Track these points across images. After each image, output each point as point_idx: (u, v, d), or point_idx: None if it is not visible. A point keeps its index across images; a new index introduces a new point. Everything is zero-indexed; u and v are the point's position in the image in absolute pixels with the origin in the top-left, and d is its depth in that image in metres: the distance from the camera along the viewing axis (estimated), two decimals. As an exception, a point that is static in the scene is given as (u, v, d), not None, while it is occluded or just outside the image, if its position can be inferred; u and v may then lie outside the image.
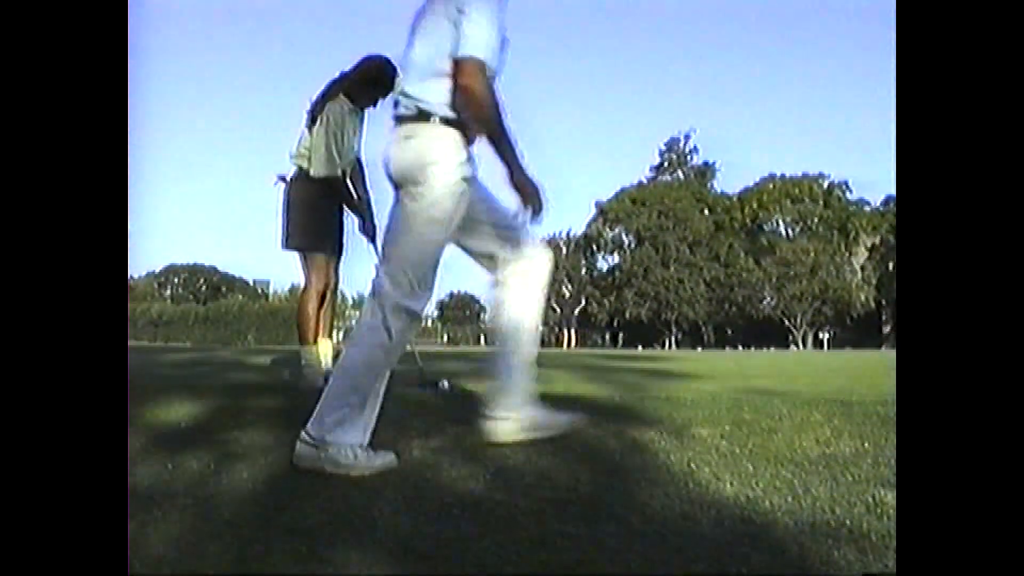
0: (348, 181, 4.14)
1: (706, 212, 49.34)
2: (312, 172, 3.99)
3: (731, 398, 3.68)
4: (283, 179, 4.13)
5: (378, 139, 4.27)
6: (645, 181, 52.67)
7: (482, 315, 58.49)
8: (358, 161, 4.25)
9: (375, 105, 4.14)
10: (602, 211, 50.12)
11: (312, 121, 4.00)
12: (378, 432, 2.23)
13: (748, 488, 1.86)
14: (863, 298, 45.27)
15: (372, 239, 4.19)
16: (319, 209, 4.07)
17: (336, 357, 4.23)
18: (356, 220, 4.20)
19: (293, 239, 4.11)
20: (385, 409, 2.24)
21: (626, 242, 49.64)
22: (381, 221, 4.26)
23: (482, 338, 44.66)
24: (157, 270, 52.95)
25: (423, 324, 52.43)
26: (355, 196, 4.18)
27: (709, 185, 52.40)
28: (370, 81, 4.04)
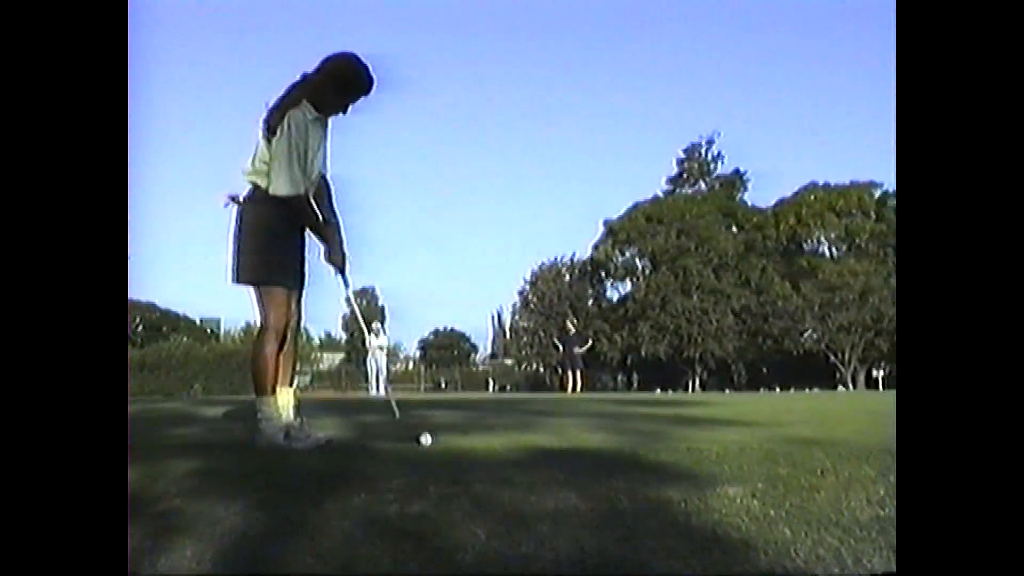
0: (312, 201, 4.07)
1: (734, 229, 49.58)
2: (271, 190, 3.89)
3: (765, 449, 3.69)
4: (235, 199, 4.02)
5: (345, 152, 4.30)
6: (661, 195, 52.98)
7: (472, 355, 58.35)
8: (324, 179, 4.19)
9: (344, 111, 4.09)
10: (611, 230, 50.29)
11: (269, 131, 3.90)
12: (349, 494, 2.21)
13: (786, 558, 1.87)
14: (922, 328, 45.32)
15: (341, 269, 4.13)
16: (278, 234, 3.98)
17: (298, 408, 4.21)
18: (322, 248, 4.12)
19: (246, 271, 3.98)
20: (359, 466, 2.25)
21: (640, 267, 49.77)
22: (350, 248, 4.24)
23: (490, 383, 44.25)
24: (85, 307, 52.87)
25: (404, 367, 52.18)
26: (320, 218, 4.11)
27: (738, 198, 52.73)
28: (338, 83, 4.00)
